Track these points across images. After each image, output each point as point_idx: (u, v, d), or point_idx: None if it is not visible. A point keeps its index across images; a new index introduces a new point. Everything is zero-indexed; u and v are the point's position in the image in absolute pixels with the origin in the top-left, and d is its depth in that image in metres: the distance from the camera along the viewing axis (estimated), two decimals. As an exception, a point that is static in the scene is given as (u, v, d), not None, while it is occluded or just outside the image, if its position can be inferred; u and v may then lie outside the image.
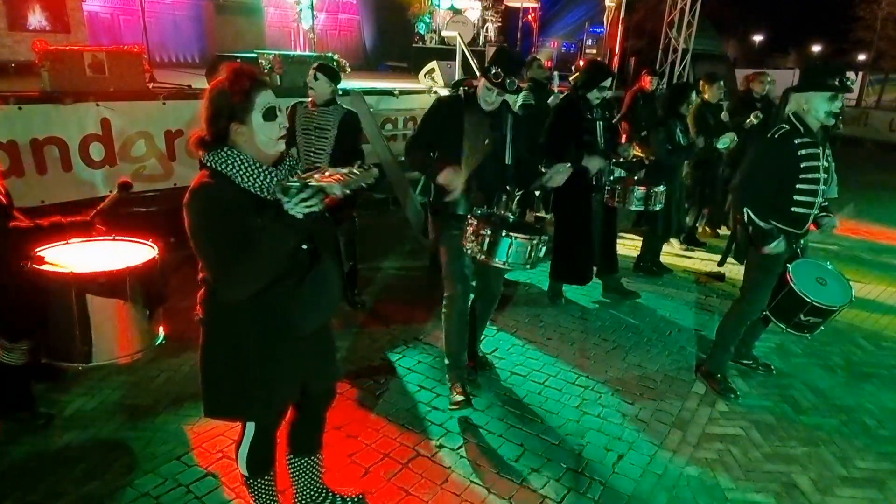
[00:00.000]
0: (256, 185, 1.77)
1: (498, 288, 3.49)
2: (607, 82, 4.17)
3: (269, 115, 1.77)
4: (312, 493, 2.40)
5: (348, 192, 1.67)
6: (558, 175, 3.17)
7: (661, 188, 4.43)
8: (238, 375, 1.93)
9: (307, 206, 1.63)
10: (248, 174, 1.76)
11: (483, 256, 2.81)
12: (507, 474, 2.77)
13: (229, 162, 1.75)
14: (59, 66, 4.79)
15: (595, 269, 4.72)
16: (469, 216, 2.93)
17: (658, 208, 4.51)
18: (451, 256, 3.14)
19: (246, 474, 2.15)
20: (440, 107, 3.23)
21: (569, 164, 3.20)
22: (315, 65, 3.85)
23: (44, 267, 2.47)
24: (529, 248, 2.80)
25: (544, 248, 2.89)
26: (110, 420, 3.01)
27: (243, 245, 1.67)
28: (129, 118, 4.93)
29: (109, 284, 2.52)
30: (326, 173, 1.69)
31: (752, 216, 3.14)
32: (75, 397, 3.15)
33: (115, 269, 2.53)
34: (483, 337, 4.06)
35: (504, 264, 2.81)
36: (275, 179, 1.80)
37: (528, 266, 2.87)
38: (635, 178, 4.63)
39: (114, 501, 2.49)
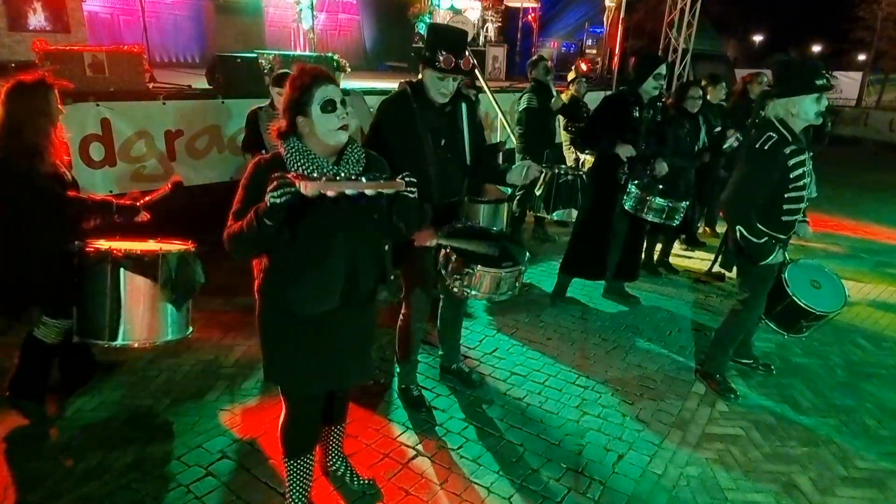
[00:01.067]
0: (302, 171, 1.94)
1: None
2: (662, 69, 4.04)
3: (327, 106, 1.93)
4: (333, 457, 2.63)
5: (323, 194, 1.76)
6: (518, 172, 2.87)
7: (684, 204, 4.29)
8: (271, 346, 2.16)
9: (272, 197, 1.77)
10: (298, 161, 1.95)
11: (471, 292, 2.68)
12: (507, 474, 2.77)
13: (289, 149, 1.97)
14: (59, 66, 4.79)
15: (614, 270, 4.64)
16: (440, 244, 2.72)
17: (675, 223, 4.38)
18: (418, 282, 2.97)
19: (283, 452, 2.32)
20: (387, 111, 2.77)
21: (530, 164, 2.87)
22: (274, 75, 3.93)
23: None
24: (516, 276, 2.72)
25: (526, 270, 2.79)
26: (110, 420, 3.01)
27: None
28: (129, 118, 4.93)
29: (143, 262, 2.68)
30: (362, 180, 1.87)
31: (745, 233, 3.10)
32: (75, 397, 3.14)
33: (150, 249, 2.73)
34: (482, 338, 4.06)
35: (494, 297, 2.76)
36: (319, 172, 1.95)
37: (513, 293, 2.78)
38: (660, 186, 4.59)
39: (114, 501, 2.49)
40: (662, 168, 4.25)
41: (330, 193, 1.79)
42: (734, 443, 3.10)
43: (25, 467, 2.67)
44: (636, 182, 4.26)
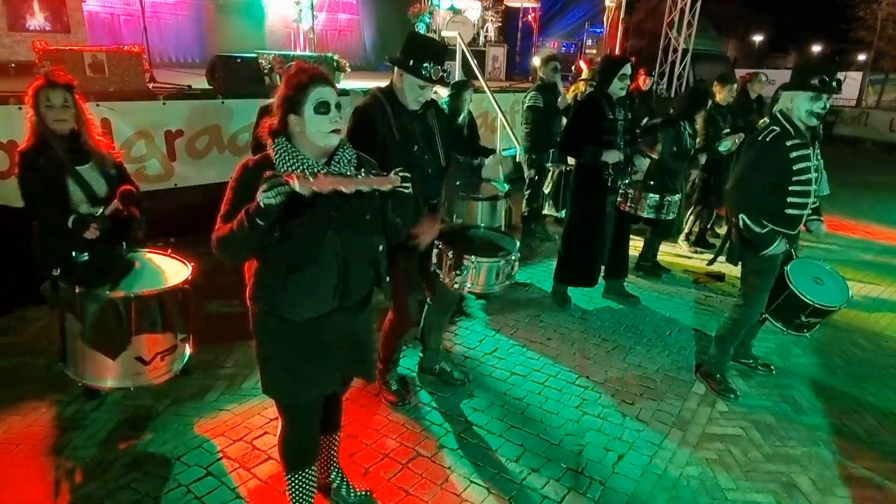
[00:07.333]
0: (292, 171, 1.89)
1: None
2: (627, 69, 4.04)
3: (320, 108, 1.89)
4: (328, 470, 2.53)
5: (318, 192, 1.69)
6: (491, 168, 2.95)
7: (676, 197, 4.35)
8: (265, 355, 2.10)
9: (266, 198, 1.73)
10: (287, 162, 1.89)
11: (468, 285, 2.79)
12: (507, 474, 2.77)
13: (277, 149, 1.91)
14: (60, 66, 4.78)
15: (602, 270, 4.66)
16: (436, 242, 2.79)
17: (670, 217, 4.42)
18: (406, 286, 2.92)
19: (284, 466, 2.27)
20: (363, 116, 2.73)
21: (504, 153, 3.01)
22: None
23: None
24: (511, 265, 2.85)
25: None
26: (110, 420, 3.01)
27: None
28: (129, 118, 4.93)
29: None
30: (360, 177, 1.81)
31: (748, 222, 3.12)
32: (75, 397, 3.15)
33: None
34: (482, 338, 4.06)
35: (490, 289, 2.87)
36: (309, 172, 1.88)
37: (510, 283, 2.93)
38: (651, 182, 4.60)
39: (114, 501, 2.49)
40: (642, 164, 4.31)
41: (325, 191, 1.74)
42: (734, 443, 3.11)
43: (25, 467, 2.67)
44: (626, 181, 4.28)
